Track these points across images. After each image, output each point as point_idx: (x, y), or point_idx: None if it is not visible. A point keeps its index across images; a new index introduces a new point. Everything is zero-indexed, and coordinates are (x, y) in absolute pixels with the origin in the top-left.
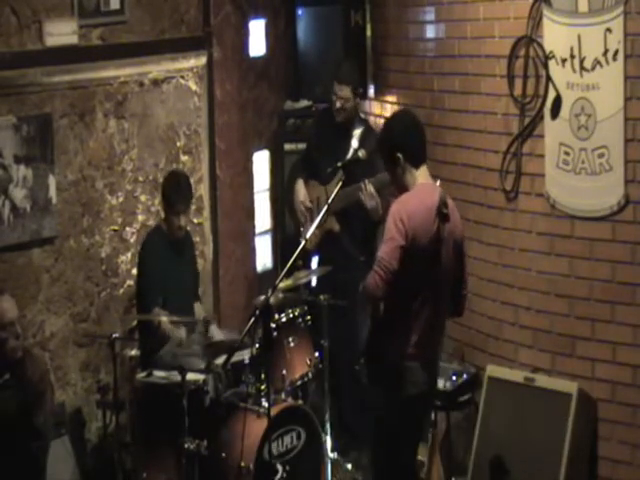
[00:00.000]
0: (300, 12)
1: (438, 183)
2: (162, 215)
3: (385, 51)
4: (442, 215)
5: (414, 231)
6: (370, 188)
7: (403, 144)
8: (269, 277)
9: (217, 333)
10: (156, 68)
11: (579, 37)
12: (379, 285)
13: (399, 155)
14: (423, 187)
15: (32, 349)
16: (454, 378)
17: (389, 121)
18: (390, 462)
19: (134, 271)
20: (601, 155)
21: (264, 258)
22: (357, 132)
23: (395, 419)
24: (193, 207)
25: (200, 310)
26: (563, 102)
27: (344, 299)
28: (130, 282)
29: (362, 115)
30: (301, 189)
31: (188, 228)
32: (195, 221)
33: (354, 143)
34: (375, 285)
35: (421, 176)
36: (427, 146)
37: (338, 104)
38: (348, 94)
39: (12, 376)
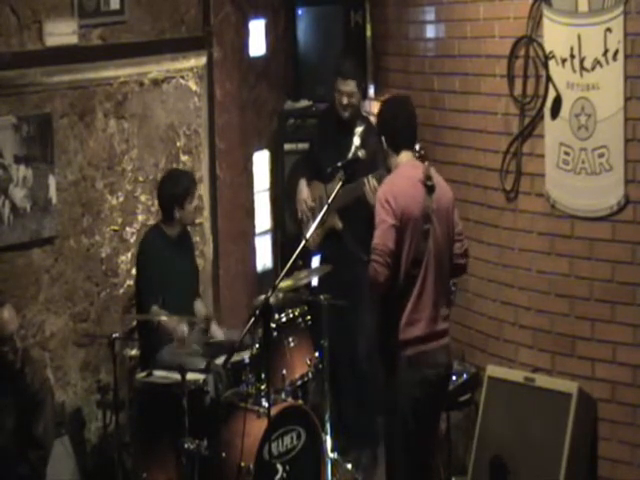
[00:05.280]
0: (300, 12)
1: (426, 164)
2: (161, 215)
3: (385, 51)
4: (428, 187)
5: (403, 208)
6: (373, 182)
7: (385, 128)
8: (269, 277)
9: (218, 332)
10: (156, 68)
11: (579, 37)
12: (378, 270)
13: (382, 138)
14: (404, 166)
15: (32, 355)
16: (454, 378)
17: (382, 104)
18: (408, 451)
19: (134, 271)
20: (601, 155)
21: (264, 258)
22: (359, 129)
23: (414, 406)
24: (193, 206)
25: (201, 307)
26: (563, 102)
27: (346, 299)
28: (130, 282)
29: (364, 113)
30: (304, 188)
31: (188, 228)
32: (195, 221)
33: (356, 140)
34: (375, 272)
35: (403, 161)
36: (428, 145)
37: (345, 100)
38: (354, 88)
39: (11, 385)
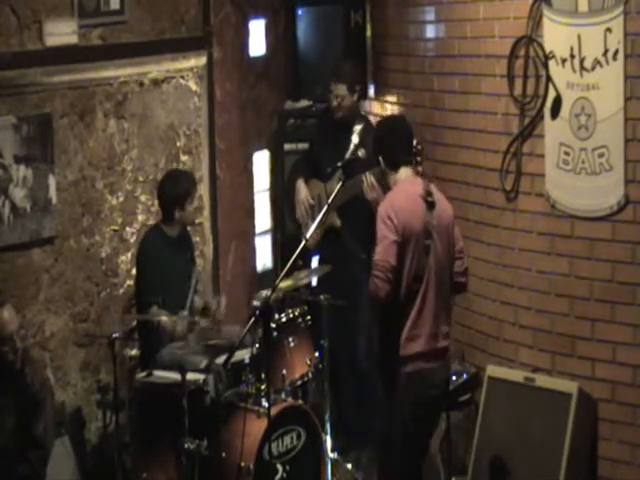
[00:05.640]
0: (300, 12)
1: (426, 180)
2: (161, 215)
3: (385, 51)
4: (429, 203)
5: (404, 223)
6: (371, 179)
7: (381, 148)
8: (269, 277)
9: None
10: (156, 68)
11: (579, 37)
12: (379, 286)
13: (380, 158)
14: (404, 182)
15: (32, 355)
16: (454, 378)
17: (376, 125)
18: (404, 463)
19: (134, 271)
20: (601, 155)
21: (264, 258)
22: (357, 128)
23: (413, 422)
24: (193, 206)
25: (200, 301)
26: (563, 102)
27: (345, 298)
28: (130, 282)
29: (362, 113)
30: (302, 188)
31: (188, 228)
32: (195, 221)
33: (354, 139)
34: (376, 287)
35: (402, 177)
36: (426, 147)
37: (334, 102)
38: (344, 92)
39: (11, 385)
